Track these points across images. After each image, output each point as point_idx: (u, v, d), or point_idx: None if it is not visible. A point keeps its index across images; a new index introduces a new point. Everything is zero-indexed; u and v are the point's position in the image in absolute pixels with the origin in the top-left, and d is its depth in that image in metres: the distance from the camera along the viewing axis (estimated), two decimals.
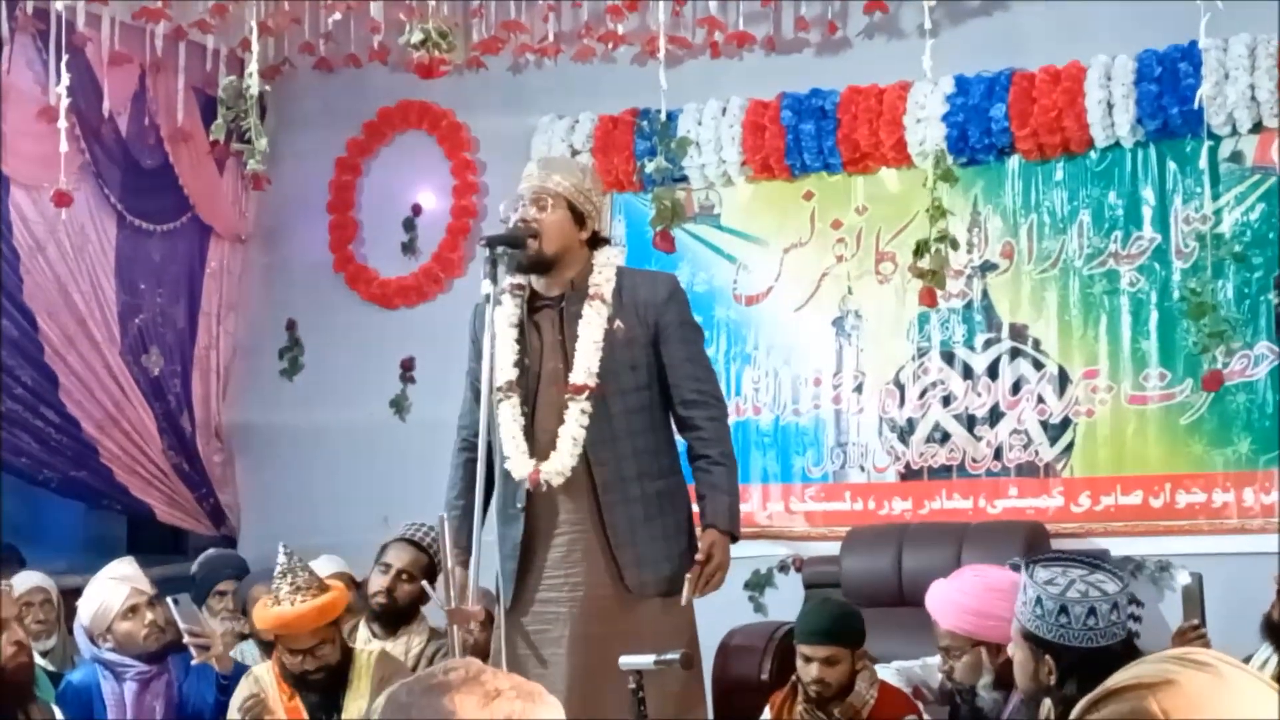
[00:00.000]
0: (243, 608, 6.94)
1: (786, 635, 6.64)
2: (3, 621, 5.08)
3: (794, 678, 5.79)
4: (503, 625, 5.09)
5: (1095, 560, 4.32)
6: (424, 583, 6.17)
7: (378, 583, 6.33)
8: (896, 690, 5.85)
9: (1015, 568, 5.36)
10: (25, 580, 7.18)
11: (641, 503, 5.11)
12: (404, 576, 6.28)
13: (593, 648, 5.03)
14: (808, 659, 5.67)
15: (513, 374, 5.14)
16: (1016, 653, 4.30)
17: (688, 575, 5.00)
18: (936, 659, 5.47)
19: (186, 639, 6.02)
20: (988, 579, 5.35)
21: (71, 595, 6.74)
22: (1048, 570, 4.24)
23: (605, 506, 5.09)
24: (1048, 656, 4.19)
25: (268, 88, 7.20)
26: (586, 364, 5.09)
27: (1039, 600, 4.19)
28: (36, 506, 9.70)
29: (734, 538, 5.14)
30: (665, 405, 5.22)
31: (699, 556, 5.01)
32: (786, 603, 7.60)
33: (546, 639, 5.10)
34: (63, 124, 7.34)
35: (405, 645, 6.28)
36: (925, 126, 7.65)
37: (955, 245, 7.18)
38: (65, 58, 7.50)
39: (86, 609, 6.13)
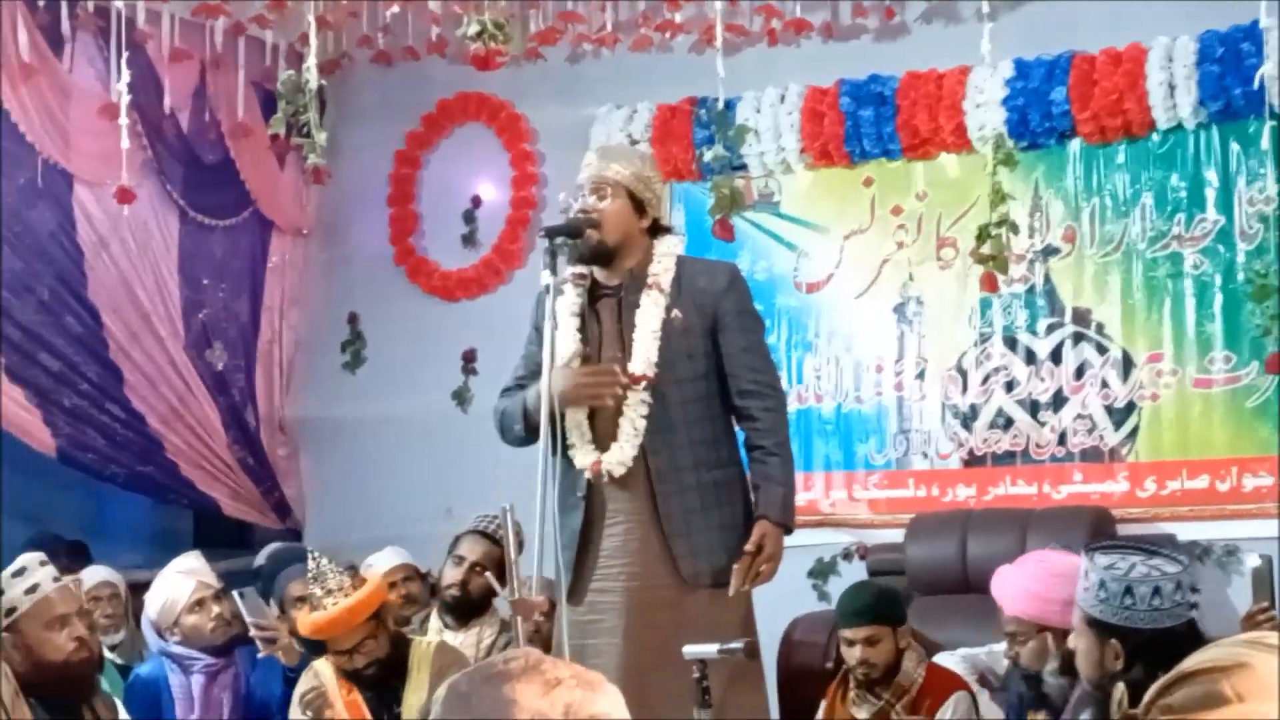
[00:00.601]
0: (280, 605, 6.96)
1: None
2: (64, 617, 5.10)
3: (845, 666, 5.80)
4: (564, 614, 5.09)
5: (1152, 546, 4.30)
6: (489, 575, 6.19)
7: (451, 575, 6.34)
8: (944, 669, 5.86)
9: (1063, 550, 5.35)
10: (93, 575, 7.23)
11: (697, 492, 5.10)
12: (477, 569, 6.29)
13: (647, 637, 5.03)
14: (850, 642, 5.70)
15: (575, 363, 5.14)
16: (1080, 641, 4.28)
17: (735, 565, 4.99)
18: (1002, 646, 5.45)
19: (252, 632, 6.06)
20: (1052, 564, 5.33)
21: (139, 589, 6.79)
22: (1108, 555, 4.22)
23: (660, 496, 5.08)
24: (1114, 641, 4.17)
25: (324, 82, 7.21)
26: (645, 354, 5.08)
27: (1102, 584, 4.17)
28: (104, 502, 9.78)
29: (788, 529, 5.12)
30: (724, 395, 5.20)
31: (748, 547, 4.99)
32: None
33: (601, 628, 5.10)
34: (124, 121, 7.38)
35: (477, 636, 6.30)
36: (985, 111, 7.60)
37: (1016, 230, 7.13)
38: (126, 55, 7.55)
39: (153, 603, 6.18)
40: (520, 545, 5.50)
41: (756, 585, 5.05)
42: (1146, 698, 3.89)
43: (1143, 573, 4.14)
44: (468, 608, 6.33)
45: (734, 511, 5.17)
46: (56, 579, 5.13)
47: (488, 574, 6.16)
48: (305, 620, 5.66)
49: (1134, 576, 4.15)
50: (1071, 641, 4.33)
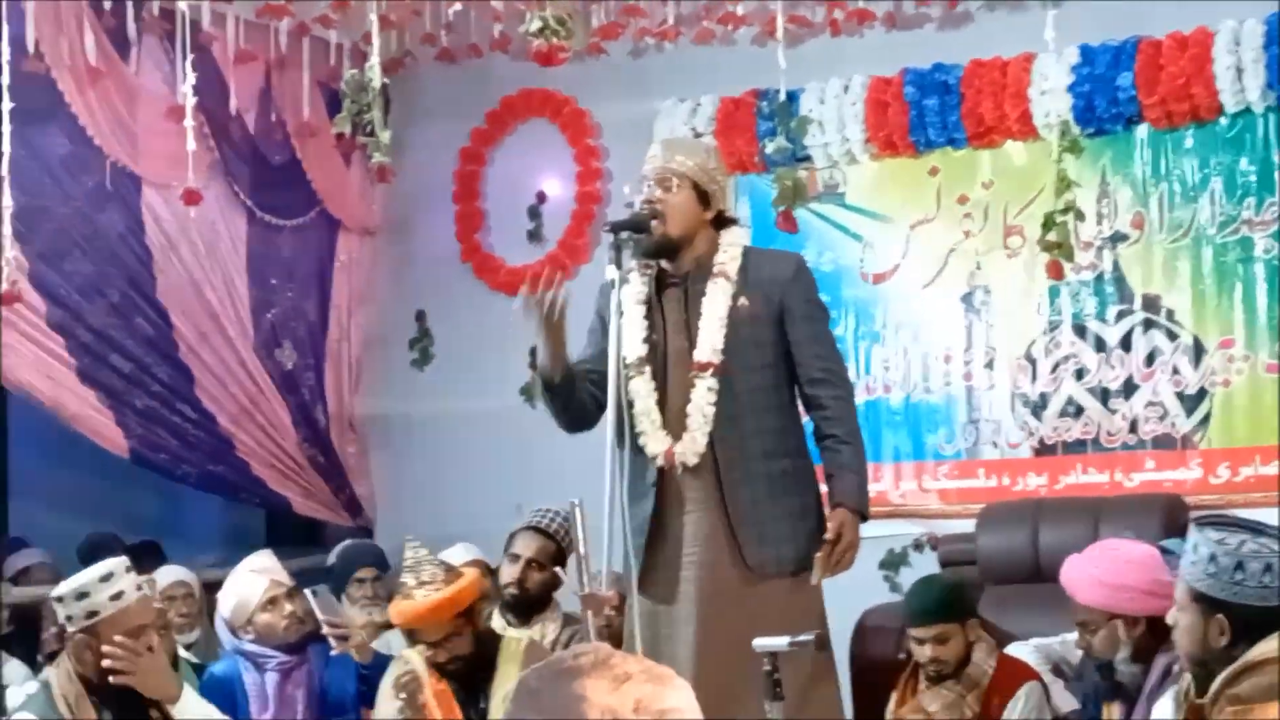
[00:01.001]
0: (389, 597, 6.99)
1: None
2: (142, 629, 5.14)
3: (915, 659, 5.78)
4: (635, 604, 5.10)
5: (1259, 525, 4.23)
6: (557, 569, 6.20)
7: (508, 573, 6.35)
8: (1015, 659, 5.84)
9: (1163, 551, 5.30)
10: (167, 575, 7.28)
11: (765, 482, 5.09)
12: (533, 565, 6.31)
13: (716, 627, 5.02)
14: (920, 641, 5.67)
15: (642, 350, 5.15)
16: (1182, 617, 4.17)
17: (817, 555, 4.98)
18: (1075, 635, 5.43)
19: (325, 629, 6.08)
20: (1120, 551, 5.31)
21: (213, 588, 6.82)
22: (1218, 530, 4.11)
23: (727, 485, 5.08)
24: (1220, 616, 4.07)
25: (388, 80, 7.23)
26: (711, 341, 5.09)
27: (1212, 557, 4.04)
28: (176, 501, 9.85)
29: (863, 517, 5.11)
30: (791, 385, 5.20)
31: (828, 535, 4.98)
32: None
33: (671, 618, 5.10)
34: (190, 123, 7.42)
35: (540, 632, 6.31)
36: (1050, 98, 7.54)
37: (1081, 217, 7.09)
38: (191, 57, 7.57)
39: (227, 602, 6.21)
40: (570, 542, 5.53)
41: (837, 573, 5.04)
42: (1214, 688, 3.87)
43: (1254, 549, 4.05)
44: (526, 605, 6.34)
45: (802, 501, 5.17)
46: (140, 588, 5.17)
47: (557, 569, 6.18)
48: (395, 608, 5.67)
49: (1245, 552, 4.05)
50: (1171, 617, 4.25)
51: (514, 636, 5.94)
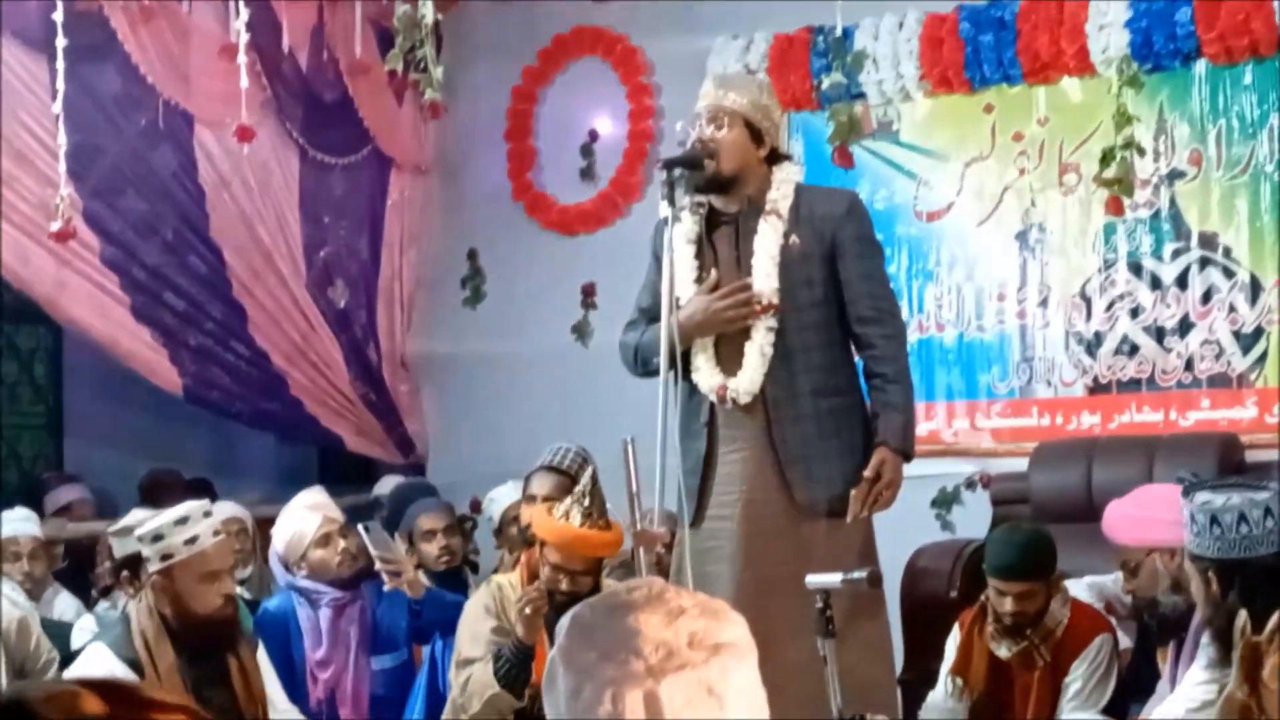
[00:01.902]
0: (409, 536, 7.00)
1: (975, 553, 6.59)
2: (217, 573, 5.18)
3: (983, 598, 5.74)
4: (686, 540, 5.10)
5: (1250, 483, 4.30)
6: (611, 507, 6.18)
7: (526, 515, 6.28)
8: (1089, 608, 5.80)
9: (1182, 482, 5.30)
10: (221, 511, 7.29)
11: (814, 420, 5.08)
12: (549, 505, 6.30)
13: (763, 565, 5.03)
14: (1002, 594, 5.60)
15: (693, 290, 5.13)
16: (1193, 585, 4.33)
17: (853, 491, 4.97)
18: None
19: (378, 566, 6.10)
20: (1154, 489, 5.39)
21: (266, 525, 6.87)
22: (1206, 493, 4.28)
23: (776, 423, 5.07)
24: (1211, 573, 4.21)
25: (440, 17, 7.21)
26: (765, 280, 5.07)
27: (1192, 517, 4.27)
28: (229, 439, 9.90)
29: (907, 457, 5.09)
30: (843, 323, 5.17)
31: (867, 473, 4.98)
32: (974, 520, 7.53)
33: (718, 555, 5.10)
34: (243, 59, 7.42)
35: None
36: (1108, 34, 7.46)
37: (1141, 152, 7.03)
38: None
39: (281, 538, 6.24)
40: (594, 478, 5.50)
41: (875, 512, 5.04)
42: (1269, 627, 3.87)
43: (1233, 504, 4.20)
44: None
45: (851, 439, 5.15)
46: (217, 533, 5.20)
47: (610, 507, 6.17)
48: (555, 525, 5.58)
49: (1221, 507, 4.21)
50: (1191, 586, 4.37)
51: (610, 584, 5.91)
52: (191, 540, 5.10)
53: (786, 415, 5.07)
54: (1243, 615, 4.19)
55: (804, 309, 5.11)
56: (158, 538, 5.12)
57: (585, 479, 5.64)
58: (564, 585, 5.62)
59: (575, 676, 1.94)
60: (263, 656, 5.47)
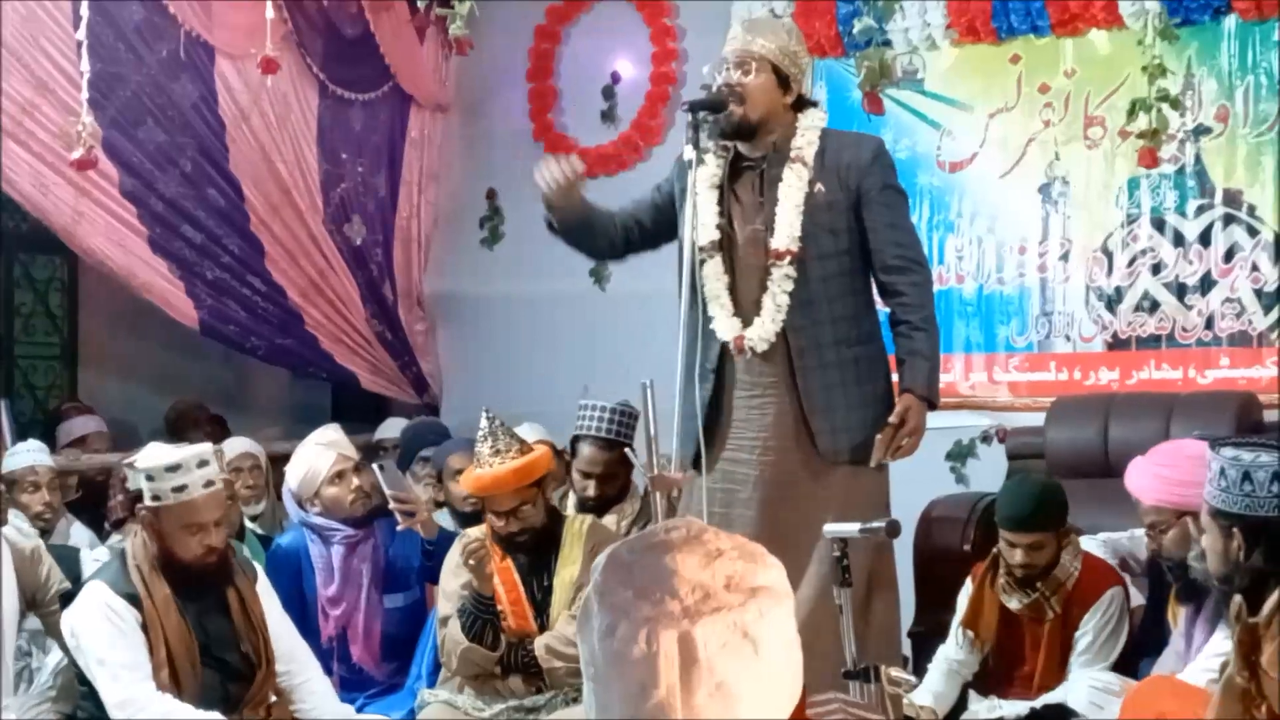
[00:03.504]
0: (438, 476, 7.00)
1: (989, 507, 6.57)
2: (201, 525, 5.17)
3: (995, 550, 5.73)
4: (704, 484, 5.09)
5: (1276, 443, 4.26)
6: (627, 450, 6.18)
7: (579, 485, 6.37)
8: (1101, 561, 5.77)
9: (1201, 439, 5.27)
10: (235, 446, 7.32)
11: (838, 368, 5.07)
12: (599, 478, 6.31)
13: (782, 511, 5.03)
14: (1012, 545, 5.60)
15: (715, 235, 5.11)
16: (1206, 537, 4.28)
17: (877, 436, 4.96)
18: (1142, 531, 5.39)
19: (392, 505, 6.10)
20: (1184, 448, 5.28)
21: (279, 461, 6.87)
22: (1234, 449, 4.21)
23: (800, 371, 5.06)
24: (1235, 530, 4.16)
25: None
26: (788, 228, 5.05)
27: (1222, 472, 4.20)
28: (244, 374, 9.89)
29: (932, 405, 5.07)
30: (866, 271, 5.16)
31: (892, 419, 4.97)
32: (989, 474, 7.51)
33: (735, 499, 5.10)
34: None
35: (617, 515, 6.30)
36: None
37: (1176, 105, 6.97)
38: None
39: (294, 474, 6.24)
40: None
41: (897, 458, 5.02)
42: (1266, 609, 3.85)
43: (1264, 461, 4.15)
44: (602, 507, 6.33)
45: (874, 388, 5.15)
46: (209, 483, 5.17)
47: (626, 449, 6.16)
48: (469, 477, 5.67)
49: (1253, 464, 4.14)
50: (1204, 540, 4.32)
51: (577, 516, 5.94)
52: (180, 489, 5.09)
53: (811, 364, 5.06)
54: (1236, 600, 4.17)
55: (828, 258, 5.09)
56: (150, 478, 5.12)
57: (483, 421, 5.65)
58: (508, 526, 5.63)
59: (610, 614, 1.92)
60: (264, 587, 5.47)
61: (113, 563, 5.32)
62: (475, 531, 5.80)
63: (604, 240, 5.42)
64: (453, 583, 5.72)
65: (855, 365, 5.10)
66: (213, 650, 5.23)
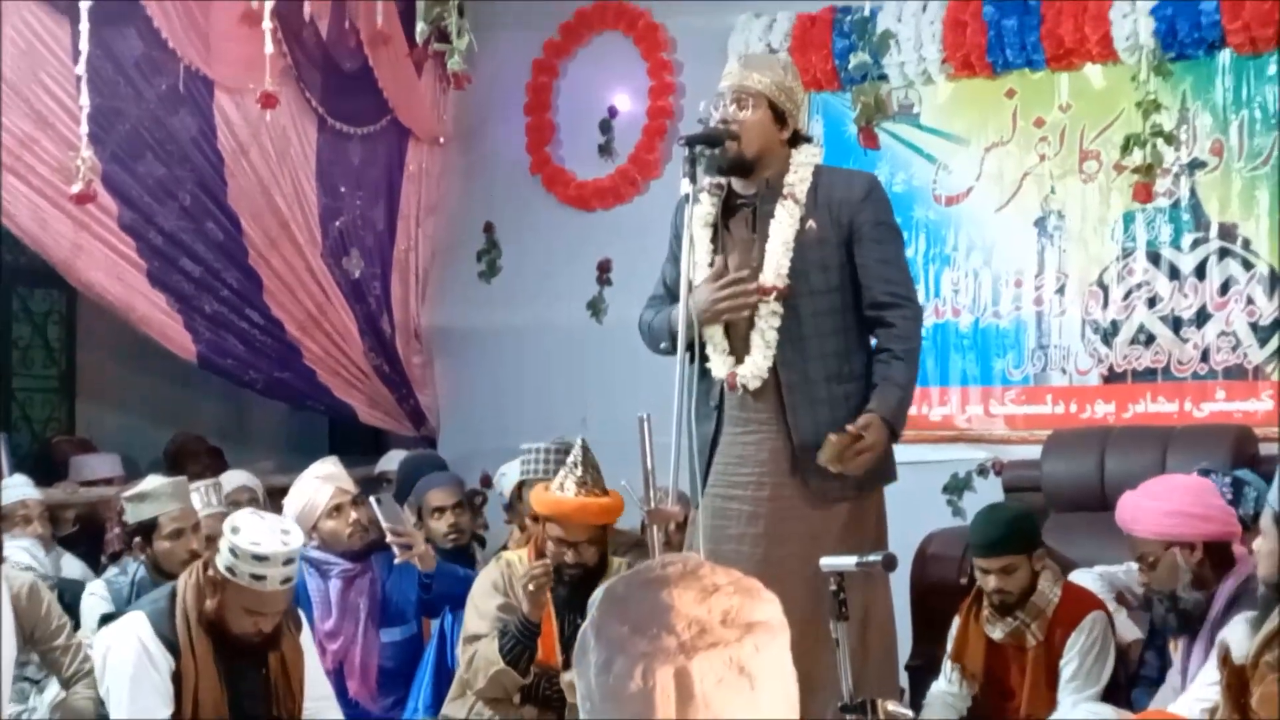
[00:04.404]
0: (418, 512, 6.99)
1: None
2: (261, 614, 5.17)
3: (979, 587, 5.76)
4: (701, 520, 5.09)
5: None
6: (624, 483, 6.18)
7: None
8: (1081, 588, 5.81)
9: (1205, 473, 5.28)
10: (232, 479, 7.34)
11: (828, 405, 5.05)
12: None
13: (774, 548, 5.02)
14: (985, 571, 5.64)
15: (707, 273, 5.11)
16: (1264, 542, 4.25)
17: (831, 436, 4.91)
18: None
19: (389, 538, 6.10)
20: (1170, 480, 5.33)
21: (276, 494, 6.87)
22: None
23: (790, 408, 5.05)
24: None
25: None
26: (776, 265, 5.05)
27: None
28: (241, 407, 9.90)
29: (894, 433, 5.02)
30: (858, 308, 5.15)
31: (851, 427, 4.88)
32: None
33: (723, 535, 5.09)
34: (267, 25, 7.40)
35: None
36: (1132, 20, 7.43)
37: (1170, 140, 6.99)
38: None
39: (292, 508, 6.24)
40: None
41: (842, 469, 4.93)
42: (1252, 651, 3.85)
43: None
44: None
45: None
46: (286, 581, 5.15)
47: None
48: (550, 498, 5.67)
49: None
50: (1258, 544, 4.30)
51: (621, 560, 5.93)
52: (258, 578, 5.07)
53: (802, 400, 5.05)
54: (1222, 642, 4.17)
55: (819, 294, 5.08)
56: (234, 553, 5.08)
57: (576, 450, 5.67)
58: (569, 558, 5.65)
59: (606, 649, 1.93)
60: (307, 639, 5.47)
61: (161, 601, 5.28)
62: (513, 556, 5.83)
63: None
64: (489, 603, 5.74)
65: (846, 402, 5.07)
66: (244, 707, 5.22)
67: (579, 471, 5.65)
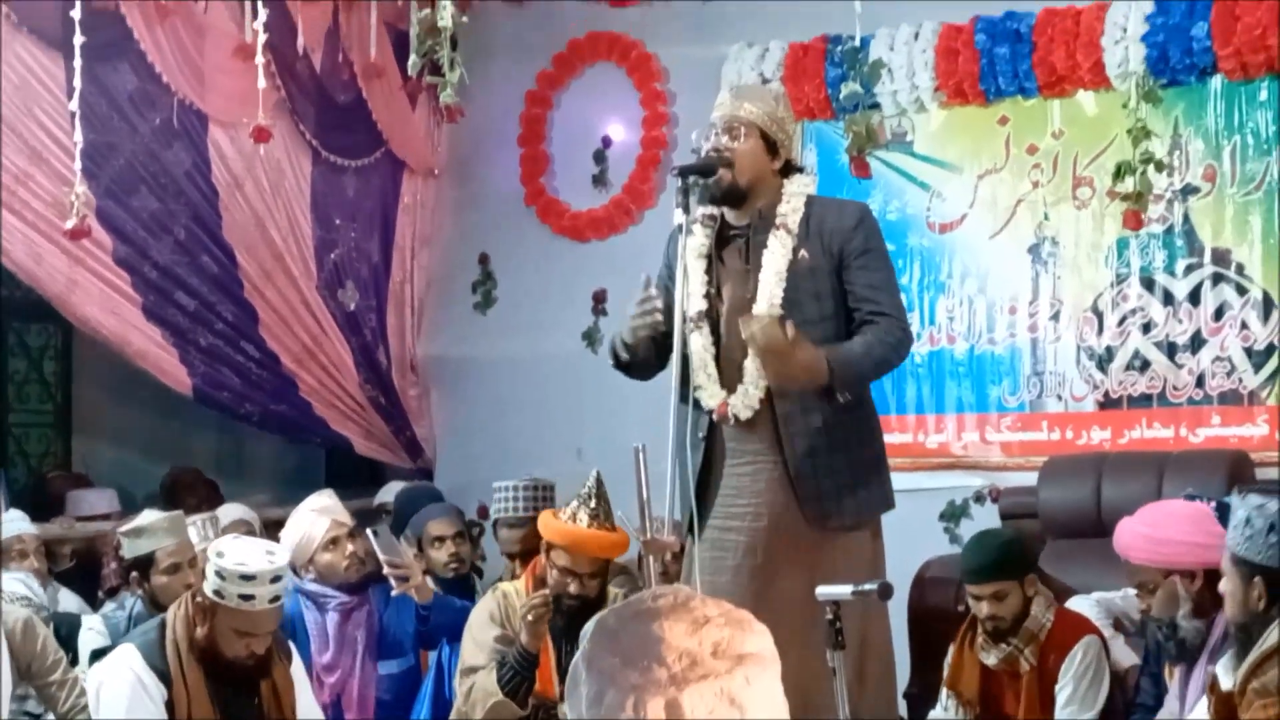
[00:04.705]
0: (419, 543, 6.99)
1: None
2: (251, 634, 5.17)
3: (972, 612, 5.76)
4: (696, 551, 5.09)
5: None
6: (621, 514, 6.18)
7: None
8: (1074, 614, 5.82)
9: (1191, 498, 5.28)
10: (228, 513, 7.33)
11: (824, 434, 5.03)
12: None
13: (773, 578, 5.01)
14: (977, 598, 5.64)
15: (702, 304, 5.12)
16: (1227, 583, 4.23)
17: (789, 321, 4.83)
18: (1136, 590, 5.39)
19: (386, 570, 6.09)
20: (1168, 507, 5.31)
21: (273, 527, 6.87)
22: (1260, 496, 4.17)
23: (786, 438, 5.03)
24: (1258, 579, 4.12)
25: (465, 18, 7.19)
26: (769, 295, 5.04)
27: (1248, 520, 4.14)
28: (237, 440, 9.90)
29: (830, 385, 4.88)
30: (850, 336, 5.14)
31: (792, 332, 4.78)
32: None
33: (722, 566, 5.08)
34: (260, 60, 7.42)
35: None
36: (1124, 47, 7.45)
37: (1160, 167, 7.00)
38: None
39: (289, 541, 6.22)
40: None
41: (749, 340, 4.84)
42: (1238, 679, 3.85)
43: None
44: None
45: (862, 453, 5.12)
46: (275, 599, 5.16)
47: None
48: (562, 525, 5.68)
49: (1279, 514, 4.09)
50: (1222, 586, 4.28)
51: (618, 593, 5.94)
52: (247, 598, 5.08)
53: (797, 430, 5.03)
54: (1210, 673, 4.16)
55: (812, 323, 5.06)
56: (221, 576, 5.08)
57: (591, 481, 5.67)
58: (572, 588, 5.65)
59: (597, 682, 1.93)
60: (298, 668, 5.47)
61: (151, 632, 5.28)
62: (507, 586, 5.83)
63: (656, 360, 5.31)
64: (486, 634, 5.74)
65: (842, 430, 5.06)
66: None
67: (592, 504, 5.65)
